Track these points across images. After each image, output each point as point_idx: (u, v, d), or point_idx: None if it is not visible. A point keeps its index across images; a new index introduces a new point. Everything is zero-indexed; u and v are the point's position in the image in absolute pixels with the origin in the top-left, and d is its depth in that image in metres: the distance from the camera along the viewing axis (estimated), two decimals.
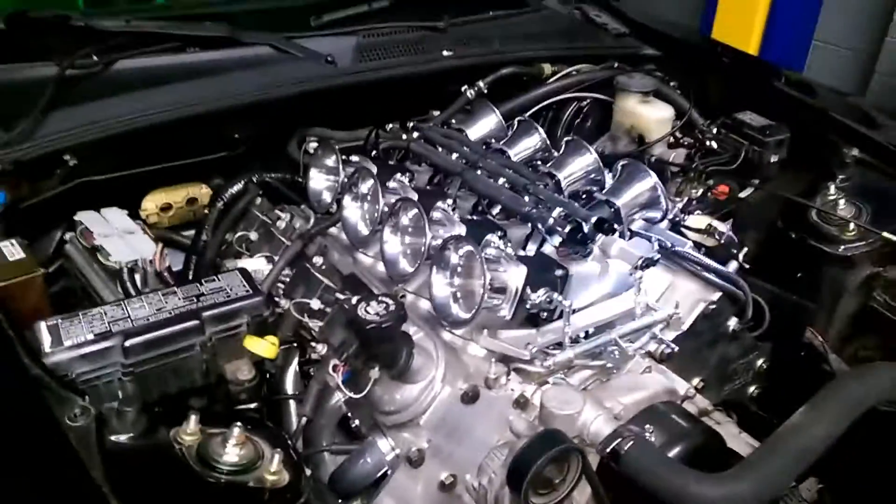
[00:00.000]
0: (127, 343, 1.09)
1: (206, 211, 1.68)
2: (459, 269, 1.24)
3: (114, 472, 0.87)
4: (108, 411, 0.96)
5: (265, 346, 1.16)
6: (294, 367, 1.46)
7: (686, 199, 1.68)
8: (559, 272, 1.25)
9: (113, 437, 0.93)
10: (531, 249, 1.38)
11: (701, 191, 1.75)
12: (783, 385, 1.54)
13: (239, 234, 1.60)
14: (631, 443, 1.09)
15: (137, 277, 1.32)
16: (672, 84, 1.97)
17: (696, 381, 1.39)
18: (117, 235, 1.42)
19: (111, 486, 0.84)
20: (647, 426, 1.15)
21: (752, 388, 1.56)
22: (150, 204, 1.67)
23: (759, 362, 1.53)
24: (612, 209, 1.41)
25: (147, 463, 0.93)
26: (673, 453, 1.14)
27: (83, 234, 1.43)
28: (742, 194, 1.74)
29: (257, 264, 1.45)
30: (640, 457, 1.08)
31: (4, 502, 0.83)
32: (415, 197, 1.37)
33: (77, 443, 0.89)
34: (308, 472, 1.01)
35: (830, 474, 1.47)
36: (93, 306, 1.18)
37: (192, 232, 1.70)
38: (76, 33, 1.74)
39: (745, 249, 1.49)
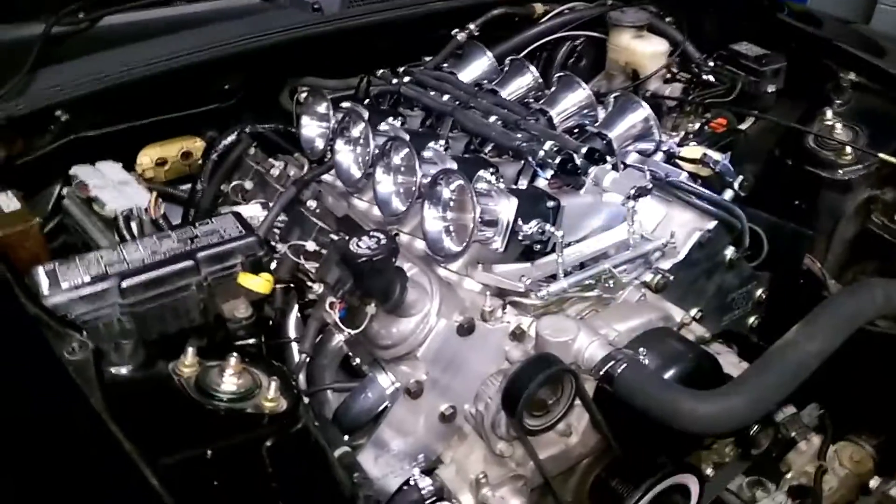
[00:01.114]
0: (123, 284, 1.10)
1: (200, 164, 1.69)
2: (451, 203, 1.24)
3: (113, 401, 0.89)
4: (107, 346, 0.97)
5: (259, 282, 1.17)
6: (295, 310, 1.48)
7: (683, 132, 1.67)
8: (551, 203, 1.25)
9: (112, 370, 0.95)
10: (523, 184, 1.37)
11: (698, 124, 1.73)
12: (783, 314, 1.54)
13: (234, 183, 1.61)
14: (624, 365, 1.10)
15: (133, 225, 1.34)
16: (668, 20, 1.94)
17: (693, 310, 1.39)
18: (112, 186, 1.43)
19: (110, 413, 0.86)
20: (641, 349, 1.16)
21: (751, 318, 1.56)
22: (146, 158, 1.68)
23: (758, 292, 1.53)
24: (605, 141, 1.41)
25: (146, 393, 0.95)
26: (668, 375, 1.14)
27: (79, 186, 1.44)
28: (740, 126, 1.73)
29: (253, 210, 1.46)
30: (633, 378, 1.09)
31: (6, 434, 0.86)
32: (406, 137, 1.37)
33: (76, 374, 0.91)
34: (306, 400, 1.02)
35: (831, 400, 1.49)
36: None
37: (188, 186, 1.71)
38: None
39: (741, 178, 1.48)
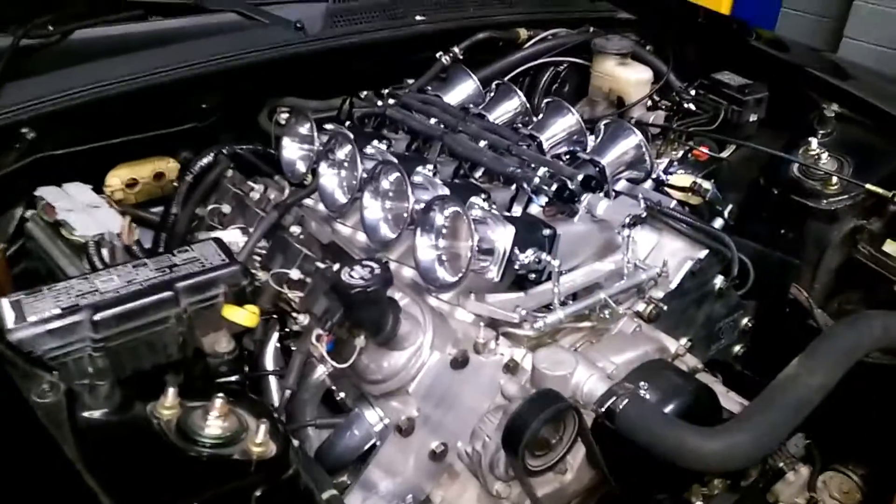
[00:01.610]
0: (96, 317, 1.03)
1: (174, 185, 1.62)
2: (445, 230, 1.20)
3: (88, 448, 0.82)
4: (80, 387, 0.90)
5: (245, 315, 1.11)
6: (274, 341, 1.41)
7: (667, 160, 1.66)
8: (547, 231, 1.22)
9: (85, 414, 0.87)
10: (517, 211, 1.34)
11: (681, 152, 1.73)
12: (768, 343, 1.53)
13: (211, 206, 1.54)
14: (626, 400, 1.07)
15: (105, 252, 1.26)
16: (648, 48, 1.95)
17: (683, 340, 1.37)
18: (81, 209, 1.35)
19: (85, 462, 0.79)
20: (642, 383, 1.13)
21: (737, 347, 1.56)
22: (115, 179, 1.59)
23: (745, 321, 1.53)
24: (598, 168, 1.38)
25: (123, 438, 0.87)
26: (668, 409, 1.12)
27: (44, 209, 1.36)
28: (723, 154, 1.73)
29: (232, 236, 1.39)
30: (636, 414, 1.06)
31: None
32: (395, 161, 1.33)
33: (47, 420, 0.83)
34: (296, 443, 0.96)
35: (817, 429, 1.48)
36: None
37: (160, 209, 1.63)
38: (31, 2, 1.65)
39: (731, 206, 1.48)
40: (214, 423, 0.90)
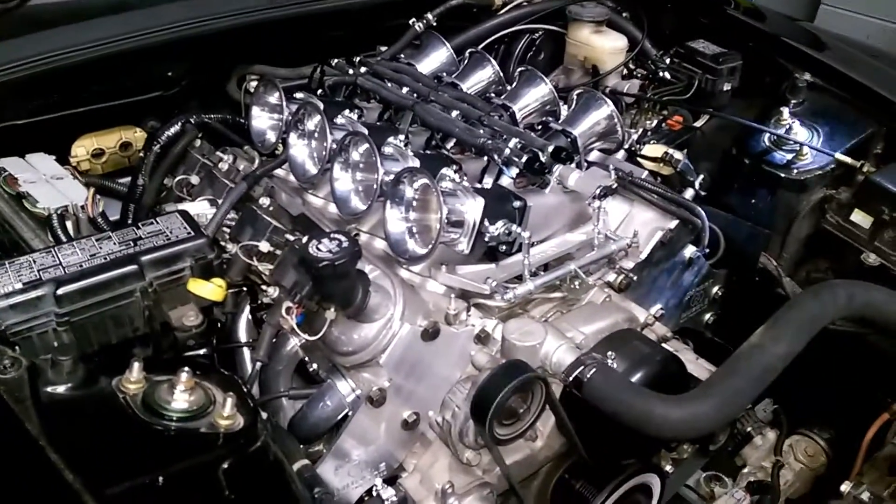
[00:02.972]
0: (59, 291, 1.01)
1: (141, 156, 1.58)
2: (415, 202, 1.19)
3: (51, 423, 0.81)
4: (43, 362, 0.89)
5: (211, 289, 1.10)
6: (246, 313, 1.40)
7: (641, 130, 1.65)
8: (517, 203, 1.21)
9: (48, 389, 0.86)
10: (487, 182, 1.33)
11: (655, 121, 1.72)
12: (738, 311, 1.55)
13: (179, 177, 1.51)
14: (594, 370, 1.08)
15: (69, 224, 1.24)
16: (624, 15, 1.93)
17: (654, 309, 1.39)
18: (45, 181, 1.32)
19: (48, 438, 0.79)
20: (609, 353, 1.14)
21: (707, 315, 1.58)
22: (81, 150, 1.56)
23: (715, 289, 1.55)
24: (569, 138, 1.38)
25: (87, 413, 0.87)
26: (635, 378, 1.13)
27: (6, 180, 1.33)
28: (696, 124, 1.73)
29: (200, 207, 1.37)
30: (603, 383, 1.07)
31: None
32: (365, 132, 1.31)
33: (9, 396, 0.82)
34: (264, 415, 0.96)
35: (784, 395, 1.51)
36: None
37: (127, 179, 1.60)
38: None
39: (702, 177, 1.48)
40: (181, 397, 0.90)
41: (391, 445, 1.21)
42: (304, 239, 1.10)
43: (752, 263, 1.56)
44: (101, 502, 0.74)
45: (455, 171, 1.24)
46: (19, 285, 1.01)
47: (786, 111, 1.57)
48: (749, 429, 1.56)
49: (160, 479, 0.80)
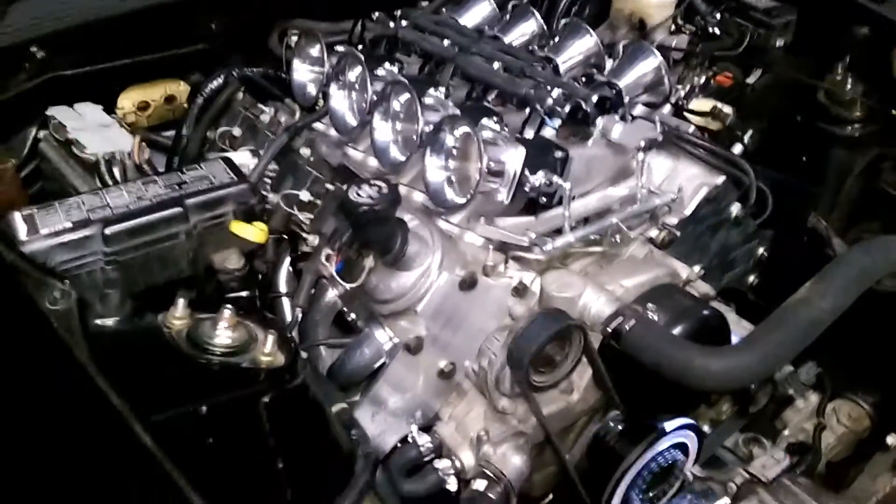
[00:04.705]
0: (107, 231, 1.04)
1: (185, 108, 1.60)
2: (455, 151, 1.18)
3: (99, 354, 0.84)
4: (92, 296, 0.91)
5: (253, 231, 1.11)
6: (286, 263, 1.42)
7: (689, 86, 1.61)
8: (559, 154, 1.20)
9: (97, 321, 0.89)
10: (529, 133, 1.32)
11: (704, 78, 1.67)
12: (784, 273, 1.51)
13: (221, 130, 1.53)
14: (633, 321, 1.07)
15: (116, 170, 1.26)
16: None
17: (697, 267, 1.36)
18: (92, 129, 1.35)
19: (97, 366, 0.81)
20: (650, 305, 1.12)
21: (751, 277, 1.54)
22: (127, 102, 1.59)
23: (760, 250, 1.50)
24: (614, 90, 1.35)
25: (134, 346, 0.90)
26: (676, 332, 1.11)
27: (56, 128, 1.36)
28: (748, 80, 1.67)
29: (242, 158, 1.38)
30: (642, 334, 1.06)
31: None
32: (406, 82, 1.30)
33: (59, 326, 0.85)
34: (304, 354, 0.98)
35: (828, 357, 1.48)
36: None
37: (171, 133, 1.62)
38: None
39: (751, 132, 1.44)
40: (224, 333, 0.92)
41: (427, 394, 1.22)
42: (344, 187, 1.11)
43: (800, 223, 1.51)
44: (146, 428, 0.76)
45: (496, 122, 1.23)
46: (69, 224, 1.04)
47: (839, 66, 1.51)
48: (791, 391, 1.52)
49: (203, 408, 0.82)
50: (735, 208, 1.41)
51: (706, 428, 1.42)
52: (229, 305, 0.93)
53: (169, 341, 0.90)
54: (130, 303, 0.93)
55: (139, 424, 0.76)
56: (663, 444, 1.25)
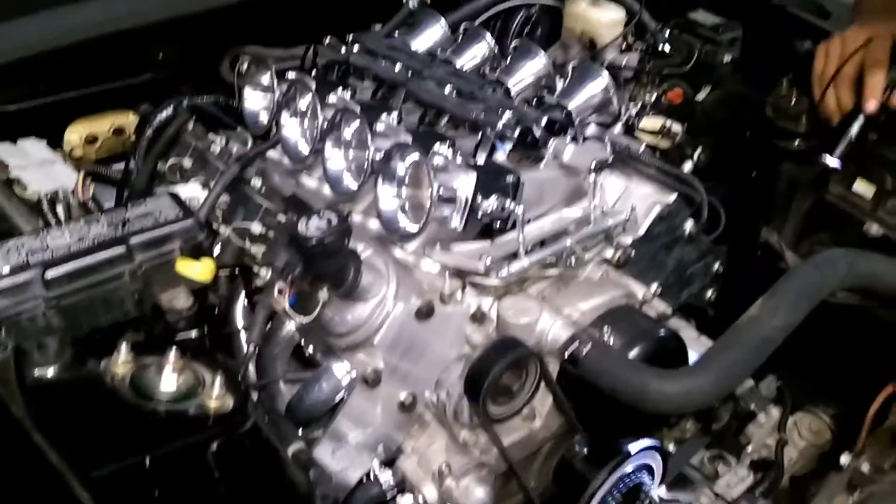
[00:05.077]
0: (47, 274, 1.00)
1: (134, 141, 1.57)
2: (406, 178, 1.17)
3: (37, 407, 0.81)
4: (30, 345, 0.88)
5: (199, 269, 1.09)
6: (241, 297, 1.40)
7: (640, 104, 1.62)
8: (510, 178, 1.19)
9: (36, 371, 0.86)
10: (481, 158, 1.31)
11: (655, 95, 1.69)
12: (741, 287, 1.53)
13: (171, 161, 1.50)
14: (589, 345, 1.06)
15: (59, 209, 1.23)
16: None
17: (654, 286, 1.36)
18: (36, 166, 1.31)
19: (34, 421, 0.78)
20: (606, 329, 1.12)
21: (709, 292, 1.55)
22: (74, 136, 1.55)
23: (716, 265, 1.51)
24: (564, 112, 1.35)
25: (75, 396, 0.87)
26: (632, 354, 1.11)
27: None
28: (697, 97, 1.70)
29: (192, 190, 1.36)
30: (598, 359, 1.06)
31: None
32: (357, 109, 1.29)
33: None
34: (254, 396, 0.95)
35: (787, 370, 1.49)
36: None
37: (121, 165, 1.59)
38: None
39: (700, 150, 1.46)
40: (169, 378, 0.89)
41: (388, 427, 1.20)
42: (295, 218, 1.09)
43: (753, 238, 1.53)
44: (86, 484, 0.73)
45: (448, 147, 1.23)
46: (7, 269, 1.01)
47: (785, 81, 1.54)
48: (752, 406, 1.53)
49: (147, 460, 0.79)
50: (689, 225, 1.42)
51: (671, 447, 1.42)
52: (175, 348, 0.90)
53: (111, 389, 0.87)
54: (71, 349, 0.90)
55: (78, 482, 0.73)
56: (628, 466, 1.25)
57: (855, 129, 1.40)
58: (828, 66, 1.47)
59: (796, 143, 1.50)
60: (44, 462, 0.74)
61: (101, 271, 1.04)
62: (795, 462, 1.48)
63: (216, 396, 0.88)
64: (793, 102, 1.52)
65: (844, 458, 1.12)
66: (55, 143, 1.51)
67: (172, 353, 0.89)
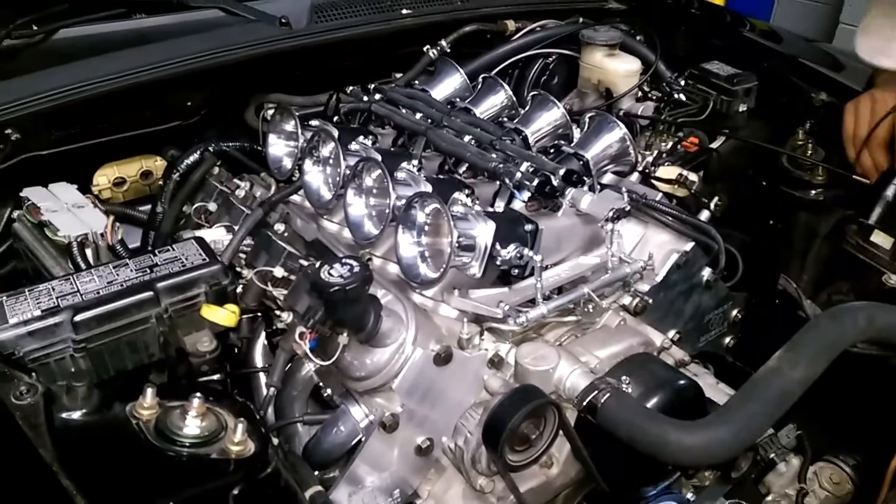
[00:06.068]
0: (76, 318, 1.03)
1: (161, 184, 1.62)
2: (426, 227, 1.20)
3: (65, 450, 0.82)
4: (58, 388, 0.90)
5: (224, 315, 1.11)
6: (262, 339, 1.42)
7: (656, 152, 1.65)
8: (529, 227, 1.21)
9: (63, 415, 0.88)
10: (500, 206, 1.34)
11: (670, 143, 1.72)
12: (759, 334, 1.53)
13: (196, 205, 1.54)
14: (608, 395, 1.07)
15: (88, 252, 1.26)
16: (638, 38, 1.94)
17: (671, 333, 1.37)
18: (66, 209, 1.35)
19: (62, 464, 0.79)
20: (624, 377, 1.13)
21: (727, 339, 1.55)
22: (103, 179, 1.60)
23: (734, 312, 1.52)
24: (581, 161, 1.38)
25: (101, 439, 0.88)
26: (651, 404, 1.12)
27: (29, 209, 1.36)
28: (712, 145, 1.72)
29: (216, 234, 1.39)
30: (617, 409, 1.06)
31: None
32: (378, 158, 1.33)
33: (24, 422, 0.83)
34: (275, 441, 0.96)
35: (807, 420, 1.48)
36: None
37: (148, 207, 1.63)
38: (14, 1, 1.65)
39: (717, 199, 1.47)
40: (192, 423, 0.90)
41: (405, 472, 1.20)
42: (317, 264, 1.11)
43: (771, 286, 1.54)
44: None
45: (467, 196, 1.25)
46: (38, 312, 1.03)
47: (800, 131, 1.56)
48: (772, 455, 1.51)
49: None
50: (706, 273, 1.43)
51: (689, 495, 1.40)
52: (199, 393, 0.91)
53: (137, 433, 0.88)
54: (98, 393, 0.92)
55: None
56: None
57: (891, 191, 1.42)
58: (858, 128, 1.49)
59: (812, 193, 1.51)
60: None
61: (128, 315, 1.07)
62: None
63: (238, 441, 0.89)
64: (809, 153, 1.54)
65: None
66: (85, 187, 1.55)
67: (196, 399, 0.90)
